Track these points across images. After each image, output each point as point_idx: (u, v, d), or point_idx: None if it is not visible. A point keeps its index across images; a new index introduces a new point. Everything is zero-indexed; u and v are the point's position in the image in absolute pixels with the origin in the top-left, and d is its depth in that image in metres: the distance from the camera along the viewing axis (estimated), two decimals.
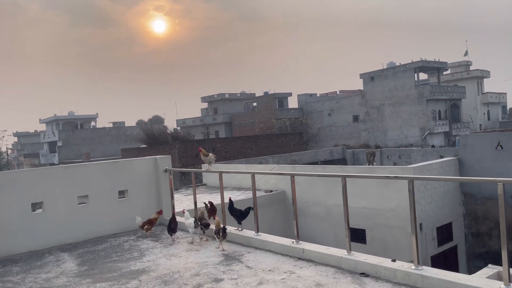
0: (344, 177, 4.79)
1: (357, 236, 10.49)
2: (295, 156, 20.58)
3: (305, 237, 12.59)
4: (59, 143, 59.31)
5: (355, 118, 46.68)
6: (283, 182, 12.69)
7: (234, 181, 14.39)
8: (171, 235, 6.46)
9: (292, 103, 54.50)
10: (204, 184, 15.86)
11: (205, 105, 62.60)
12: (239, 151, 24.54)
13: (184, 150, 22.03)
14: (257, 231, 6.02)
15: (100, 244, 6.52)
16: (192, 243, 6.18)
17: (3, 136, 64.43)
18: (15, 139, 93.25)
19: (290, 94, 53.02)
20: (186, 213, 6.60)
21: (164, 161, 7.72)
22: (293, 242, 5.41)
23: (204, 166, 17.88)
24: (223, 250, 5.67)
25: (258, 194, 12.78)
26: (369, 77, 45.04)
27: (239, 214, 6.42)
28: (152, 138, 23.90)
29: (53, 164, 59.88)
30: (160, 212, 7.10)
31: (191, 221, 6.32)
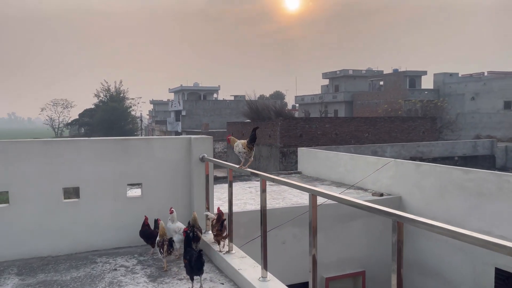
0: None
1: None
2: (423, 147, 16.12)
3: (429, 269, 8.85)
4: (183, 113, 62.10)
5: (507, 105, 38.10)
6: (400, 184, 9.05)
7: (335, 173, 11.15)
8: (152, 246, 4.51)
9: (426, 83, 47.43)
10: (299, 173, 12.94)
11: (326, 81, 58.77)
12: (353, 135, 20.82)
13: (287, 128, 19.28)
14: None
15: (77, 268, 4.16)
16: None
17: (138, 103, 70.30)
18: (151, 106, 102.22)
19: (424, 73, 45.98)
20: (174, 213, 4.36)
21: (202, 144, 5.00)
22: None
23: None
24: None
25: (364, 197, 9.34)
26: None
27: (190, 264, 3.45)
28: (256, 113, 21.71)
29: (177, 132, 63.36)
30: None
31: (180, 225, 4.23)
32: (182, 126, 61.48)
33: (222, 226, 4.10)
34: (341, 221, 8.51)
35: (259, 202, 8.57)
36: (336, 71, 55.34)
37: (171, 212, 4.32)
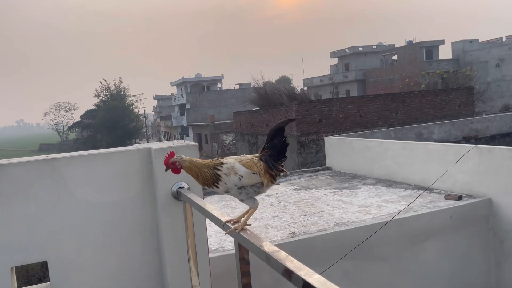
0: None
1: None
2: (478, 124, 13.10)
3: None
4: (187, 106, 59.49)
5: None
6: (487, 181, 6.28)
7: (381, 168, 8.38)
8: None
9: (444, 53, 44.03)
10: (328, 168, 10.19)
11: (335, 61, 55.54)
12: (379, 115, 17.92)
13: (303, 113, 16.45)
14: None
15: None
16: None
17: (140, 99, 67.77)
18: (155, 102, 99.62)
19: (442, 42, 42.56)
20: None
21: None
22: None
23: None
24: None
25: (434, 202, 6.54)
26: None
27: None
28: (265, 99, 18.91)
29: (182, 127, 60.86)
30: None
31: None
32: (188, 120, 58.80)
33: None
34: (411, 243, 5.78)
35: (313, 219, 5.73)
36: (344, 49, 52.06)
37: None
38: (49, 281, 2.34)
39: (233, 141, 38.25)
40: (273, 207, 7.15)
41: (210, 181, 1.42)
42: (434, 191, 7.08)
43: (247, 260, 1.46)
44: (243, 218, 1.48)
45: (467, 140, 11.40)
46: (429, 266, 5.84)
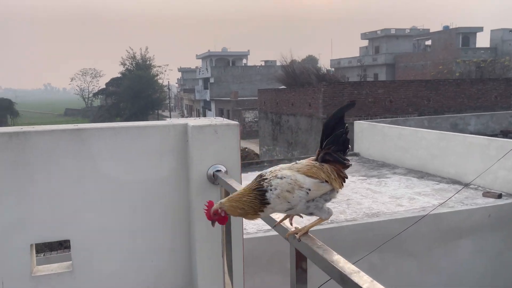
0: None
1: None
2: None
3: None
4: (211, 80, 59.21)
5: None
6: None
7: (413, 158, 7.99)
8: None
9: (482, 41, 42.13)
10: (356, 154, 9.84)
11: (365, 43, 53.96)
12: (410, 101, 17.26)
13: (331, 95, 15.98)
14: None
15: None
16: None
17: (165, 71, 67.81)
18: (179, 74, 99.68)
19: (480, 29, 40.66)
20: None
21: (213, 140, 2.02)
22: None
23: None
24: None
25: (471, 199, 6.17)
26: None
27: None
28: (293, 78, 18.43)
29: (205, 101, 60.80)
30: None
31: None
32: (211, 95, 58.59)
33: None
34: (444, 240, 5.48)
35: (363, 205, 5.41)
36: (376, 31, 50.39)
37: None
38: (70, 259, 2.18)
39: (255, 119, 37.93)
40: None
41: (256, 203, 1.14)
42: (471, 186, 6.70)
43: (305, 269, 1.22)
44: (305, 223, 1.23)
45: (504, 134, 10.82)
46: (460, 265, 5.55)
